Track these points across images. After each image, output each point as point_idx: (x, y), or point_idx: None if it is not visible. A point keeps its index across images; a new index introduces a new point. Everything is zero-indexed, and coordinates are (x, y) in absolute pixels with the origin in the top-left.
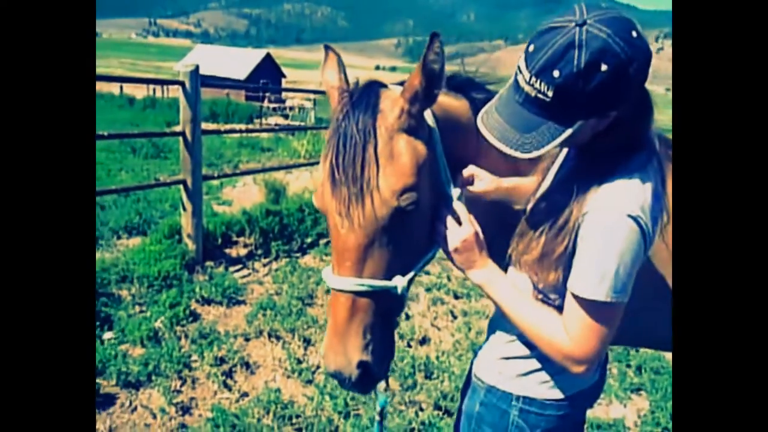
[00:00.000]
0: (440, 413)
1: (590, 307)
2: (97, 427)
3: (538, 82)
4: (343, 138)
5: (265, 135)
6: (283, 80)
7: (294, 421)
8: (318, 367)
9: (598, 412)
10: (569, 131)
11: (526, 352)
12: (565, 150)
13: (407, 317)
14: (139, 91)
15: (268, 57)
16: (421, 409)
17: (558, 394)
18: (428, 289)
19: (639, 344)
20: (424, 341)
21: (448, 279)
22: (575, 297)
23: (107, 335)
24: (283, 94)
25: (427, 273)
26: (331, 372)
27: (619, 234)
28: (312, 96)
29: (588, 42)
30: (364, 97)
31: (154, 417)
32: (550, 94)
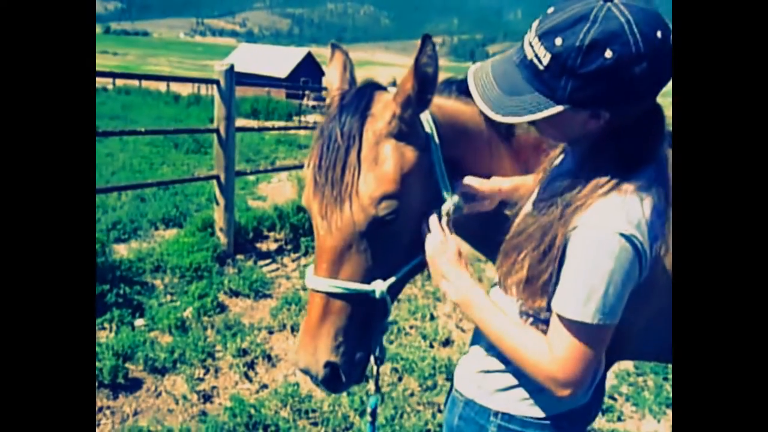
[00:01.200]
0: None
1: (575, 328)
2: (123, 409)
3: (539, 45)
4: (327, 140)
5: (303, 132)
6: (323, 78)
7: (310, 415)
8: None
9: (630, 426)
10: (552, 110)
11: (507, 366)
12: (558, 161)
13: (432, 318)
14: (184, 89)
15: (309, 55)
16: (439, 411)
17: (540, 413)
18: None
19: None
20: (447, 342)
21: (480, 280)
22: (560, 317)
23: (138, 322)
24: (323, 92)
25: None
26: (300, 369)
27: (609, 253)
28: None
29: (603, 20)
30: (356, 100)
31: (177, 403)
32: (545, 61)
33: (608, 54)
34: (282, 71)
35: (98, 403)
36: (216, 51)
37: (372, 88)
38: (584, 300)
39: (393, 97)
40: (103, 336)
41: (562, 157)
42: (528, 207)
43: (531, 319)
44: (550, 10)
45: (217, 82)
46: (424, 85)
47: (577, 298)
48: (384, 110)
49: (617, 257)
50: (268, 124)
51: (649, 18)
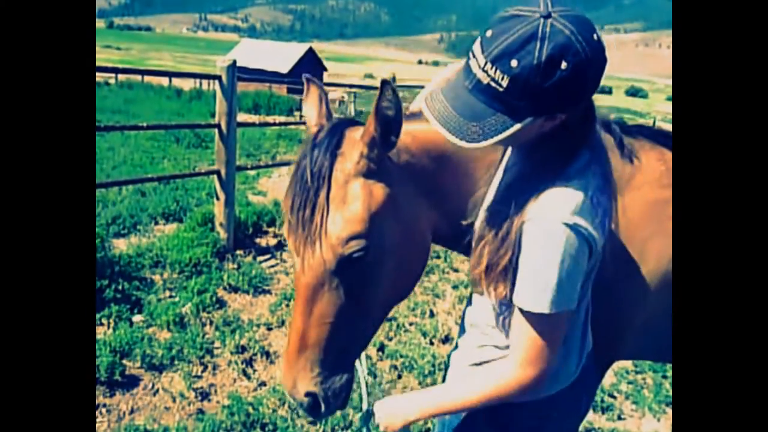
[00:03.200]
0: None
1: (533, 319)
2: (120, 407)
3: (494, 69)
4: (299, 180)
5: (304, 127)
6: (325, 74)
7: None
8: None
9: (630, 424)
10: (518, 126)
11: (495, 356)
12: (506, 157)
13: (432, 314)
14: (186, 84)
15: (310, 51)
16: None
17: (527, 398)
18: (455, 287)
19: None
20: (446, 340)
21: (455, 270)
22: (519, 310)
23: (137, 318)
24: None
25: (456, 270)
26: (287, 393)
27: (556, 243)
28: (352, 90)
29: (551, 36)
30: (327, 138)
31: (174, 401)
32: (504, 83)
33: (564, 66)
34: (284, 67)
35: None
36: (218, 46)
37: (344, 125)
38: (539, 291)
39: (360, 136)
40: (101, 332)
41: (510, 150)
42: (488, 202)
43: (502, 315)
44: (489, 33)
45: (219, 78)
46: (386, 127)
47: (531, 289)
48: (352, 149)
49: (564, 246)
50: (270, 119)
51: (585, 24)
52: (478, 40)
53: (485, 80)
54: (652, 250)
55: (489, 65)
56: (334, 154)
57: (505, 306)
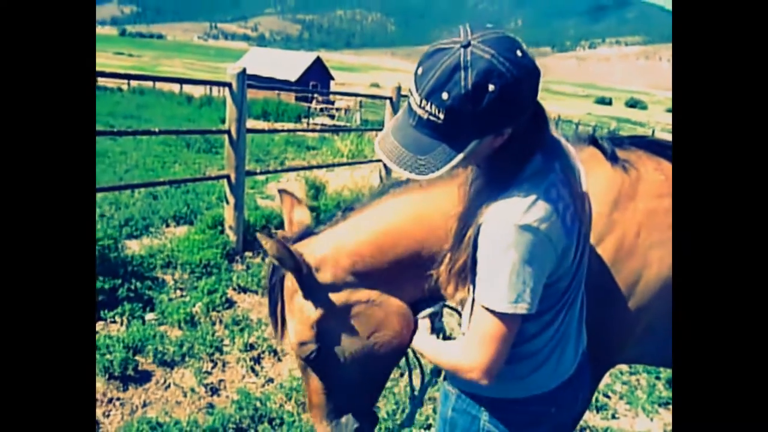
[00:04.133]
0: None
1: (485, 314)
2: (132, 401)
3: (429, 104)
4: (268, 296)
5: (311, 134)
6: (332, 83)
7: None
8: None
9: (623, 423)
10: (465, 151)
11: None
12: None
13: None
14: (196, 90)
15: (318, 60)
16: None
17: (524, 394)
18: None
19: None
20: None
21: None
22: (476, 305)
23: (149, 316)
24: (331, 96)
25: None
26: None
27: (507, 244)
28: (358, 99)
29: (473, 63)
30: (276, 268)
31: (185, 395)
32: (441, 116)
33: (491, 88)
34: (292, 75)
35: (108, 395)
36: (228, 54)
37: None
38: (492, 289)
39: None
40: (114, 329)
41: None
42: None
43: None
44: (420, 70)
45: (229, 85)
46: (292, 267)
47: (486, 287)
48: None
49: (517, 247)
50: (278, 125)
51: (506, 44)
52: (413, 78)
53: (425, 116)
54: (654, 258)
55: (424, 101)
56: (281, 274)
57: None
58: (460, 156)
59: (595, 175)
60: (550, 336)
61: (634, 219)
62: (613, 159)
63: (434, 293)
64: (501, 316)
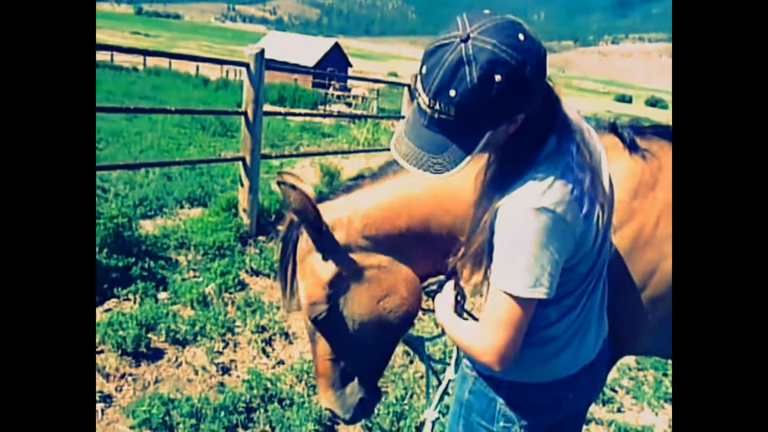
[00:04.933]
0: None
1: (500, 297)
2: (144, 377)
3: (438, 103)
4: (280, 255)
5: (327, 121)
6: (350, 69)
7: None
8: None
9: (629, 417)
10: (480, 144)
11: None
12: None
13: None
14: (213, 73)
15: (336, 46)
16: (447, 394)
17: (544, 378)
18: None
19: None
20: None
21: None
22: (492, 288)
23: (162, 295)
24: (348, 83)
25: (453, 267)
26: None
27: (524, 228)
28: (376, 86)
29: (476, 56)
30: (292, 226)
31: (196, 373)
32: (452, 113)
33: (498, 78)
34: (310, 60)
35: (121, 370)
36: (245, 37)
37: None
38: (508, 272)
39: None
40: (127, 307)
41: None
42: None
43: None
44: (424, 69)
45: (247, 66)
46: (308, 222)
47: (502, 270)
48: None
49: (533, 231)
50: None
51: (506, 30)
52: (418, 77)
53: (435, 115)
54: (670, 250)
55: (433, 101)
56: (297, 231)
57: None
58: (476, 149)
59: (615, 163)
60: (572, 321)
61: (654, 209)
62: (632, 148)
63: (447, 273)
64: (518, 300)
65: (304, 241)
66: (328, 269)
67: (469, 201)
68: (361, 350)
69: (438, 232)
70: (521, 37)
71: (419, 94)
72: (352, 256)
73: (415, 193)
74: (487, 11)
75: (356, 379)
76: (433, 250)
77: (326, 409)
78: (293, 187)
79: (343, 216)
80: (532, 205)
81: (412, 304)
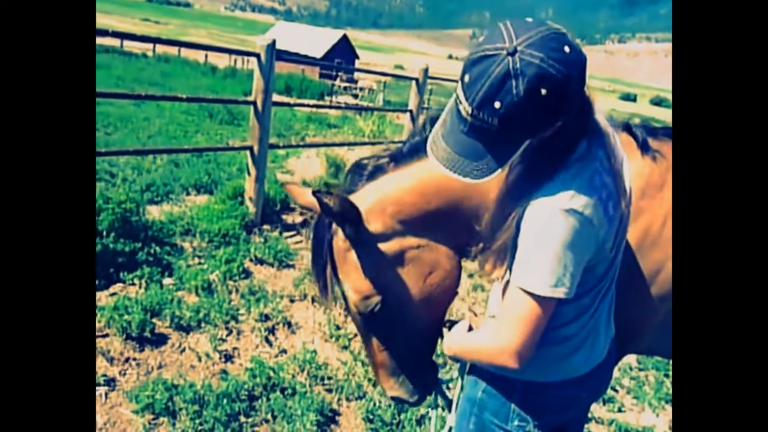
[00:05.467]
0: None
1: (521, 296)
2: (148, 362)
3: (481, 113)
4: (312, 257)
5: (333, 112)
6: (357, 62)
7: (326, 382)
8: (355, 334)
9: (629, 417)
10: (520, 150)
11: None
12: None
13: None
14: (221, 61)
15: (344, 38)
16: (448, 388)
17: (559, 377)
18: (470, 275)
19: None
20: None
21: None
22: (514, 287)
23: (167, 281)
24: (355, 75)
25: (474, 258)
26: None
27: (552, 228)
28: (382, 79)
29: (523, 70)
30: (322, 228)
31: (200, 360)
32: (495, 122)
33: (543, 92)
34: (317, 51)
35: (125, 354)
36: (254, 27)
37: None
38: (532, 271)
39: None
40: (133, 291)
41: None
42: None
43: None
44: (467, 78)
45: (258, 56)
46: (344, 221)
47: (526, 269)
48: (338, 229)
49: (560, 231)
50: (305, 101)
51: (553, 42)
52: (459, 85)
53: (477, 123)
54: None
55: (476, 111)
56: (330, 232)
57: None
58: (517, 153)
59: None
60: (586, 320)
61: (661, 209)
62: (644, 147)
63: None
64: (538, 299)
65: (341, 240)
66: (372, 261)
67: (498, 180)
68: (414, 331)
69: (467, 211)
70: (567, 49)
71: (460, 102)
72: (392, 242)
73: (443, 176)
74: (529, 19)
75: (414, 362)
76: (464, 227)
77: (392, 397)
78: (329, 192)
79: (374, 205)
80: (561, 206)
81: (455, 275)
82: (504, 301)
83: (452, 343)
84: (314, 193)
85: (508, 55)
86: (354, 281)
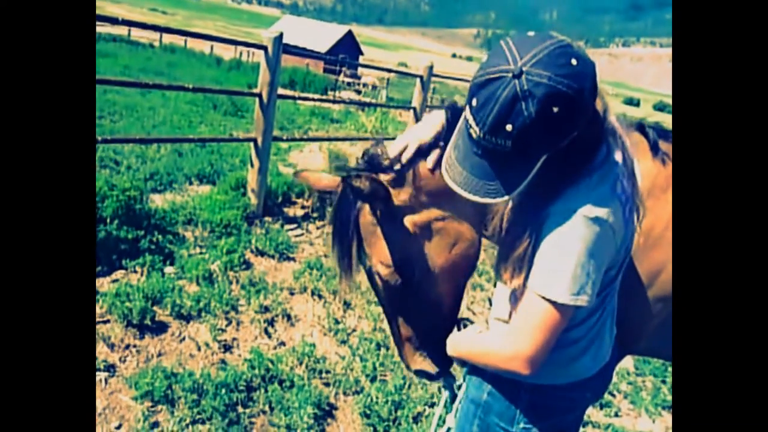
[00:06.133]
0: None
1: (540, 303)
2: (148, 349)
3: (493, 138)
4: (338, 237)
5: (336, 107)
6: (361, 57)
7: (323, 375)
8: (354, 329)
9: (625, 422)
10: (536, 167)
11: None
12: None
13: None
14: (226, 53)
15: (349, 33)
16: (459, 387)
17: (566, 380)
18: None
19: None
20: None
21: (492, 267)
22: (532, 294)
23: (168, 270)
24: (359, 71)
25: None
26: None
27: (576, 236)
28: (385, 75)
29: (532, 91)
30: (346, 206)
31: (199, 349)
32: (508, 144)
33: (555, 110)
34: (322, 46)
35: (125, 341)
36: (260, 20)
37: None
38: (553, 279)
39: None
40: (135, 279)
41: None
42: (514, 200)
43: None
44: (474, 102)
45: (265, 49)
46: (374, 199)
47: (546, 276)
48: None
49: (584, 239)
50: (310, 95)
51: (559, 58)
52: (468, 109)
53: (490, 146)
54: None
55: (488, 136)
56: (356, 209)
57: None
58: (534, 170)
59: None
60: (594, 322)
61: (664, 211)
62: (654, 149)
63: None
64: (559, 306)
65: (368, 216)
66: (400, 233)
67: None
68: (439, 303)
69: None
70: (574, 62)
71: (471, 126)
72: (420, 214)
73: None
74: (531, 33)
75: (440, 335)
76: (481, 212)
77: (416, 371)
78: (359, 175)
79: (402, 180)
80: (585, 214)
81: (476, 247)
82: (520, 307)
83: (460, 343)
84: (344, 179)
85: (514, 78)
86: (383, 254)
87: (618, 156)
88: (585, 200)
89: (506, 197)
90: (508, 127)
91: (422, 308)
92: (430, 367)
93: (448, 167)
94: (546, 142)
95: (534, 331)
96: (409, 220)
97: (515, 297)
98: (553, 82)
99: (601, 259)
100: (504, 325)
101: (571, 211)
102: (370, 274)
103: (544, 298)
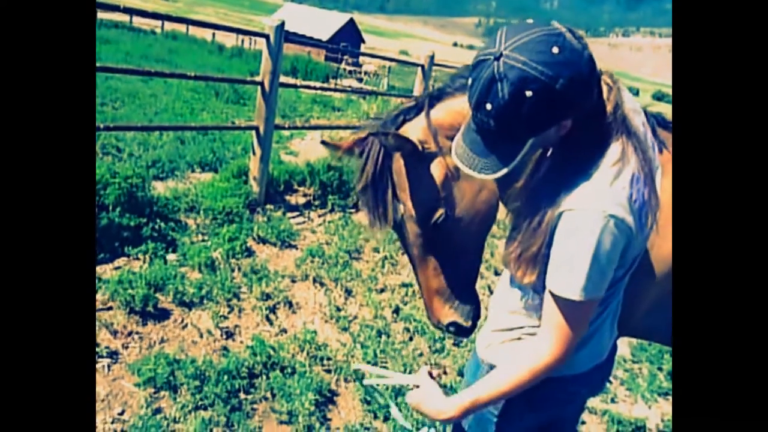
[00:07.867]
0: (462, 379)
1: (563, 303)
2: (150, 336)
3: (479, 115)
4: (372, 186)
5: (338, 95)
6: (362, 46)
7: (325, 363)
8: (355, 316)
9: (622, 408)
10: (524, 149)
11: (528, 329)
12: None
13: None
14: (228, 40)
15: (351, 21)
16: (445, 373)
17: (560, 372)
18: None
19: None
20: None
21: (491, 255)
22: (551, 293)
23: (171, 257)
24: (361, 59)
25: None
26: (435, 326)
27: (594, 232)
28: (386, 64)
29: (506, 74)
30: (381, 156)
31: (201, 336)
32: (492, 123)
33: (528, 94)
34: (324, 34)
35: (128, 328)
36: (262, 7)
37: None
38: (572, 277)
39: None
40: (137, 266)
41: None
42: (523, 195)
43: (534, 299)
44: (469, 81)
45: (267, 37)
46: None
47: (565, 275)
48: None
49: (601, 236)
50: (312, 83)
51: (539, 45)
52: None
53: (479, 123)
54: (668, 233)
55: (474, 112)
56: (390, 159)
57: (533, 291)
58: (522, 152)
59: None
60: (594, 319)
61: (664, 192)
62: (652, 135)
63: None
64: (578, 304)
65: (401, 162)
66: (432, 176)
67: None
68: (466, 252)
69: None
70: (555, 50)
71: (469, 105)
72: (447, 159)
73: None
74: (530, 21)
75: (466, 286)
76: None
77: (448, 324)
78: (385, 133)
79: (432, 129)
80: (605, 211)
81: (497, 196)
82: (544, 311)
83: (498, 381)
84: (371, 134)
85: (494, 60)
86: (418, 197)
87: (634, 157)
88: (603, 197)
89: (498, 174)
90: (488, 106)
91: (452, 253)
92: (461, 318)
93: (456, 141)
94: (526, 125)
95: (561, 328)
96: (440, 162)
97: (522, 288)
98: (526, 67)
99: (615, 256)
100: (524, 343)
101: (590, 210)
102: (400, 227)
103: (566, 298)
